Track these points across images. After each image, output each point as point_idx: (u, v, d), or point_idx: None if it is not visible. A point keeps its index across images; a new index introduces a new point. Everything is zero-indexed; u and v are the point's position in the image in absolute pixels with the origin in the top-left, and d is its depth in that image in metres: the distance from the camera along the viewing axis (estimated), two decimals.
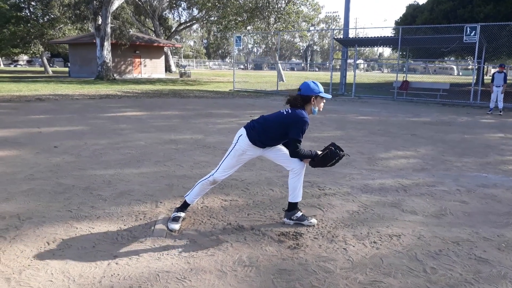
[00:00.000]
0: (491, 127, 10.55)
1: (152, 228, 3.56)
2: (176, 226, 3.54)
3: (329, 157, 3.62)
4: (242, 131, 3.63)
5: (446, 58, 37.06)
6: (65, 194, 4.40)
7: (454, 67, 61.94)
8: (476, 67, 18.83)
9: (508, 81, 16.68)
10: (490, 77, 14.98)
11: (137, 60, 35.08)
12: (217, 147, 6.93)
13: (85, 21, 32.33)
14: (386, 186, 4.98)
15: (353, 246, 3.31)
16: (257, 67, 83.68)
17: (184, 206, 3.73)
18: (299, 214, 3.73)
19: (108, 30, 27.84)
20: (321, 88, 3.61)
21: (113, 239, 3.33)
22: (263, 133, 3.54)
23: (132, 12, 44.06)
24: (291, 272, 2.88)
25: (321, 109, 3.67)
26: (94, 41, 28.78)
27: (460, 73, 62.87)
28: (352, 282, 2.76)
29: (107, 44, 27.94)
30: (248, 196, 4.48)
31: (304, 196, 4.49)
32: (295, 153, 3.49)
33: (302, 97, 3.57)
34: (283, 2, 33.12)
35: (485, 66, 24.75)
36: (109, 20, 27.77)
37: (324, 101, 3.68)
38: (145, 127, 8.95)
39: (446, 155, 6.81)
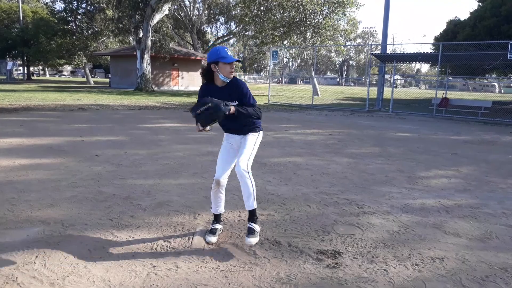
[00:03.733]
0: None
1: (190, 239, 3.58)
2: (213, 239, 3.55)
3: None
4: None
5: (487, 75, 35.92)
6: (106, 202, 4.51)
7: (496, 84, 59.85)
8: None
9: None
10: None
11: (175, 72, 35.90)
12: (254, 160, 6.92)
13: (126, 34, 33.49)
14: (427, 206, 4.82)
15: (394, 268, 3.21)
16: (292, 81, 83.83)
17: (216, 218, 3.74)
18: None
19: (149, 43, 28.68)
20: (225, 53, 3.31)
21: (152, 249, 3.37)
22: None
23: (172, 26, 45.24)
24: None
25: (228, 75, 3.35)
26: (135, 53, 29.71)
27: (502, 91, 60.67)
28: None
29: (147, 57, 28.76)
30: (285, 211, 4.45)
31: (343, 214, 4.43)
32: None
33: (206, 69, 3.38)
34: (320, 17, 33.20)
35: None
36: (150, 34, 28.63)
37: (231, 65, 3.32)
38: (183, 139, 9.10)
39: (490, 176, 6.54)
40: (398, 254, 3.46)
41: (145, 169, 6.11)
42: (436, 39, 30.53)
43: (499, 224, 4.32)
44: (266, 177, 5.86)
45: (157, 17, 29.01)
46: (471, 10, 28.17)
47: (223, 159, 3.61)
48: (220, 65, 3.30)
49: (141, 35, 28.93)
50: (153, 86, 31.08)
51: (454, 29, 28.05)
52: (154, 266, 3.08)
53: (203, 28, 53.97)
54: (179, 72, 36.24)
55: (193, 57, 37.40)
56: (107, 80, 44.87)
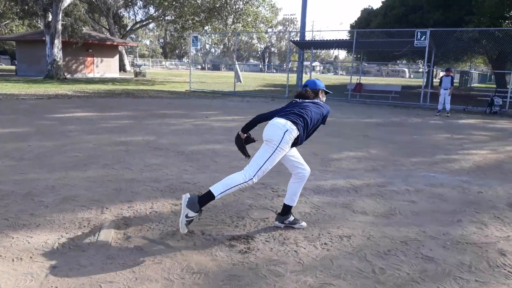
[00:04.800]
0: (439, 128, 10.98)
1: (96, 235, 3.38)
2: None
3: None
4: (285, 125, 3.36)
5: (398, 62, 38.39)
6: (3, 201, 4.11)
7: (406, 70, 64.24)
8: (426, 70, 19.59)
9: (454, 84, 17.47)
10: (439, 80, 15.63)
11: (89, 59, 33.93)
12: (170, 149, 6.76)
13: (34, 17, 30.88)
14: (338, 187, 5.02)
15: (304, 248, 3.29)
16: (215, 67, 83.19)
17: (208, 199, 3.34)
18: (291, 218, 3.71)
19: (59, 27, 26.71)
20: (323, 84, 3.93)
21: (53, 249, 3.13)
22: (308, 126, 3.50)
23: (86, 9, 42.53)
24: (241, 278, 2.81)
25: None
26: (44, 38, 27.54)
27: (412, 76, 65.28)
28: (302, 285, 2.73)
29: (57, 42, 26.79)
30: None
31: (257, 198, 4.46)
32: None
33: (313, 91, 3.78)
34: (241, 3, 33.13)
35: (434, 70, 25.85)
36: (60, 17, 26.66)
37: (325, 95, 3.93)
38: (94, 129, 8.60)
39: (396, 155, 6.99)
40: (308, 235, 3.55)
41: (51, 162, 5.68)
42: (352, 26, 31.88)
43: (402, 200, 4.61)
44: (183, 166, 5.73)
45: (68, 0, 27.08)
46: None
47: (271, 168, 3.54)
48: (323, 93, 3.88)
49: (50, 19, 26.84)
50: (66, 74, 29.13)
51: (368, 17, 29.46)
52: (54, 267, 2.86)
53: (120, 12, 51.58)
54: (94, 58, 34.32)
55: (109, 43, 35.60)
56: (14, 67, 41.22)
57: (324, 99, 3.88)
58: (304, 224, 3.75)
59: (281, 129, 3.35)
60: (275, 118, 3.50)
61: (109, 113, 11.50)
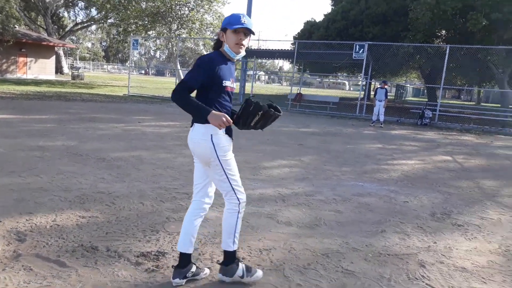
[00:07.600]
0: (371, 138, 11.21)
1: None
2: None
3: (249, 111, 2.77)
4: (206, 130, 2.66)
5: (339, 74, 39.52)
6: None
7: (346, 82, 66.48)
8: (364, 82, 20.20)
9: (390, 97, 18.13)
10: (374, 92, 16.14)
11: (22, 59, 31.83)
12: (90, 155, 6.26)
13: None
14: (266, 196, 4.83)
15: (219, 264, 3.03)
16: (159, 73, 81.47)
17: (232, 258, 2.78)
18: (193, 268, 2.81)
19: None
20: (236, 19, 2.53)
21: None
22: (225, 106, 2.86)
23: (21, 7, 40.03)
24: None
25: (237, 49, 2.61)
26: None
27: (351, 89, 67.66)
28: None
29: None
30: (112, 211, 3.98)
31: (178, 210, 4.16)
32: (173, 93, 2.49)
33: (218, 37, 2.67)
34: (186, 9, 32.63)
35: (372, 82, 26.79)
36: None
37: (240, 34, 2.57)
38: (11, 132, 7.85)
39: (328, 164, 6.95)
40: None
41: None
42: (295, 38, 32.39)
43: (329, 210, 4.50)
44: (101, 174, 5.29)
45: None
46: (325, 13, 30.43)
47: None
48: (228, 34, 2.57)
49: None
50: None
51: (310, 30, 30.03)
52: None
53: (59, 12, 49.13)
54: (28, 58, 32.28)
55: (45, 43, 33.61)
56: None
57: (232, 40, 2.57)
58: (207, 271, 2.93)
59: (204, 139, 2.67)
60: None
61: (33, 115, 10.65)
